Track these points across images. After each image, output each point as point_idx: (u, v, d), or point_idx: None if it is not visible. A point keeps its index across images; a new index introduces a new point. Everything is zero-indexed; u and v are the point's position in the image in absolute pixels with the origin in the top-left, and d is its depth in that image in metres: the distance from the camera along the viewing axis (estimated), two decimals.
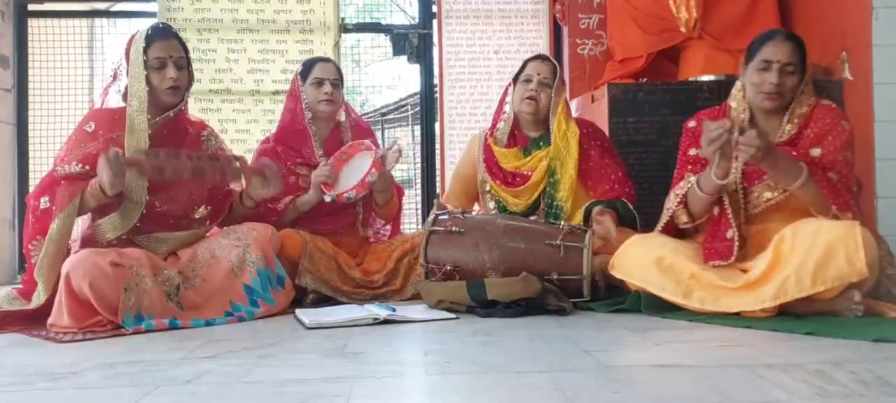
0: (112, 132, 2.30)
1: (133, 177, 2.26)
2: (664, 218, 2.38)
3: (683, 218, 2.34)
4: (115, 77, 2.40)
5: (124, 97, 2.38)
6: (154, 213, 2.35)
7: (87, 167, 2.24)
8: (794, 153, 2.20)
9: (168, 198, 2.38)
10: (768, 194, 2.25)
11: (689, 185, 2.30)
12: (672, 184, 2.44)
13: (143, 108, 2.31)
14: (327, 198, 2.68)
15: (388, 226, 3.09)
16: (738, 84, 2.37)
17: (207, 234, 2.53)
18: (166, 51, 2.34)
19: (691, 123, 2.46)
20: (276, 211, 2.73)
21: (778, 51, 2.23)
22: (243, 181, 2.51)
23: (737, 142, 2.07)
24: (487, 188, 2.87)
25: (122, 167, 2.15)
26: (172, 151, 2.29)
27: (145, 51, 2.32)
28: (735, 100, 2.36)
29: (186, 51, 2.43)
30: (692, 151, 2.40)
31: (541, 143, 2.82)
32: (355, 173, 2.71)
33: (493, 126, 2.93)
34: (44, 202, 2.21)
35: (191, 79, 2.45)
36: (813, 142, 2.22)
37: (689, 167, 2.38)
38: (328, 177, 2.68)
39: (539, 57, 2.88)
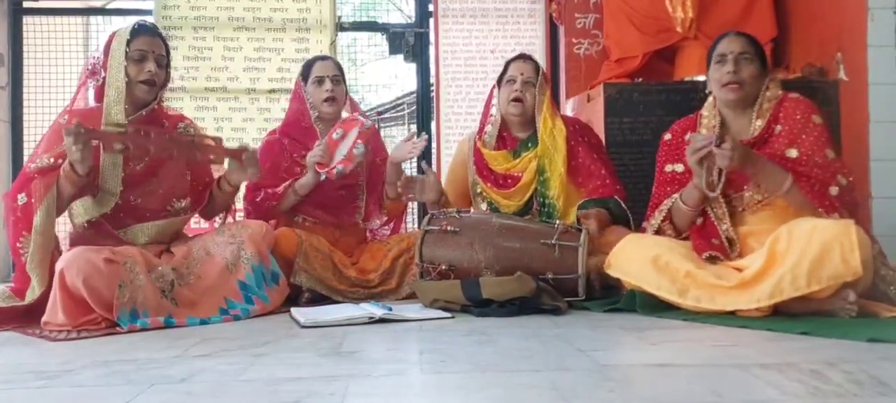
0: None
1: (107, 160, 2.26)
2: (649, 233, 2.39)
3: (670, 232, 2.38)
4: (92, 72, 2.39)
5: (97, 96, 2.37)
6: (129, 206, 2.35)
7: (59, 161, 2.23)
8: (770, 153, 2.21)
9: (143, 192, 2.38)
10: (758, 197, 2.27)
11: (673, 201, 2.34)
12: (650, 201, 2.47)
13: (121, 99, 2.31)
14: (322, 177, 2.68)
15: (388, 227, 3.10)
16: (709, 96, 2.41)
17: (201, 232, 2.52)
18: (149, 45, 2.35)
19: (667, 136, 2.50)
20: (276, 196, 2.74)
21: (730, 43, 2.33)
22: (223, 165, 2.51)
23: (715, 153, 2.12)
24: (479, 190, 2.87)
25: (86, 137, 2.12)
26: (143, 128, 2.29)
27: (128, 43, 2.32)
28: (707, 109, 2.41)
29: (168, 52, 2.43)
30: (668, 168, 2.42)
31: (529, 144, 2.82)
32: (346, 148, 2.71)
33: (481, 129, 2.92)
34: (21, 198, 2.21)
35: (167, 80, 2.45)
36: (787, 141, 2.24)
37: (668, 188, 2.41)
38: (322, 157, 2.68)
39: (521, 56, 2.88)
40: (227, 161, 2.47)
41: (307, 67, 2.92)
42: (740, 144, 2.14)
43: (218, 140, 2.42)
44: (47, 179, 2.20)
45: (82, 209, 2.30)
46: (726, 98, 2.32)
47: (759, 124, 2.30)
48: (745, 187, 2.28)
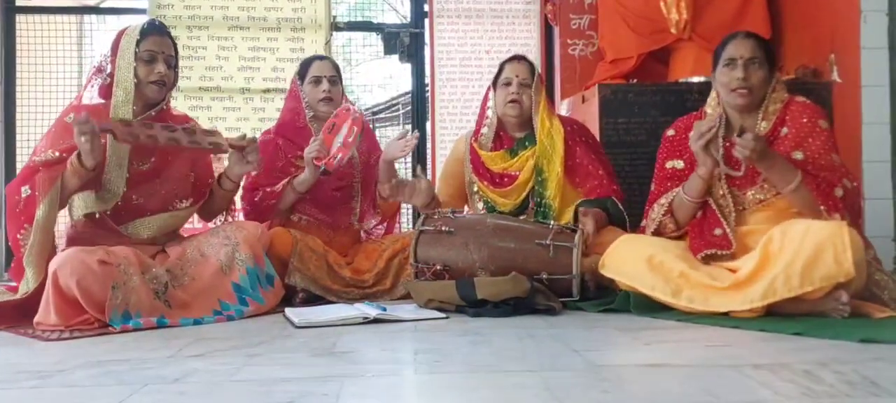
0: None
1: (113, 159, 2.25)
2: (650, 228, 2.40)
3: (671, 226, 2.38)
4: (98, 69, 2.38)
5: (102, 93, 2.37)
6: (131, 205, 2.34)
7: (65, 155, 2.22)
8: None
9: (146, 192, 2.37)
10: (760, 196, 2.27)
11: (675, 194, 2.34)
12: (649, 197, 2.47)
13: (129, 100, 2.30)
14: (321, 169, 2.67)
15: (382, 226, 3.10)
16: (712, 92, 2.40)
17: (196, 233, 2.51)
18: (159, 46, 2.34)
19: (670, 132, 2.49)
20: (275, 194, 2.73)
21: (740, 47, 2.30)
22: (224, 159, 2.50)
23: (734, 142, 2.12)
24: (475, 189, 2.87)
25: (95, 128, 2.11)
26: (147, 122, 2.28)
27: (138, 43, 2.31)
28: (710, 107, 2.41)
29: (176, 51, 2.43)
30: (668, 164, 2.43)
31: (526, 143, 2.82)
32: (342, 138, 2.70)
33: (477, 131, 2.92)
34: (25, 191, 2.20)
35: (176, 80, 2.44)
36: (793, 144, 2.25)
37: (669, 184, 2.41)
38: (319, 152, 2.67)
39: (515, 58, 2.87)
40: (226, 156, 2.47)
41: (304, 66, 2.92)
42: (760, 136, 2.13)
43: (217, 133, 2.40)
44: (52, 173, 2.19)
45: (82, 202, 2.28)
46: (735, 103, 2.30)
47: (764, 126, 2.30)
48: (749, 187, 2.28)
